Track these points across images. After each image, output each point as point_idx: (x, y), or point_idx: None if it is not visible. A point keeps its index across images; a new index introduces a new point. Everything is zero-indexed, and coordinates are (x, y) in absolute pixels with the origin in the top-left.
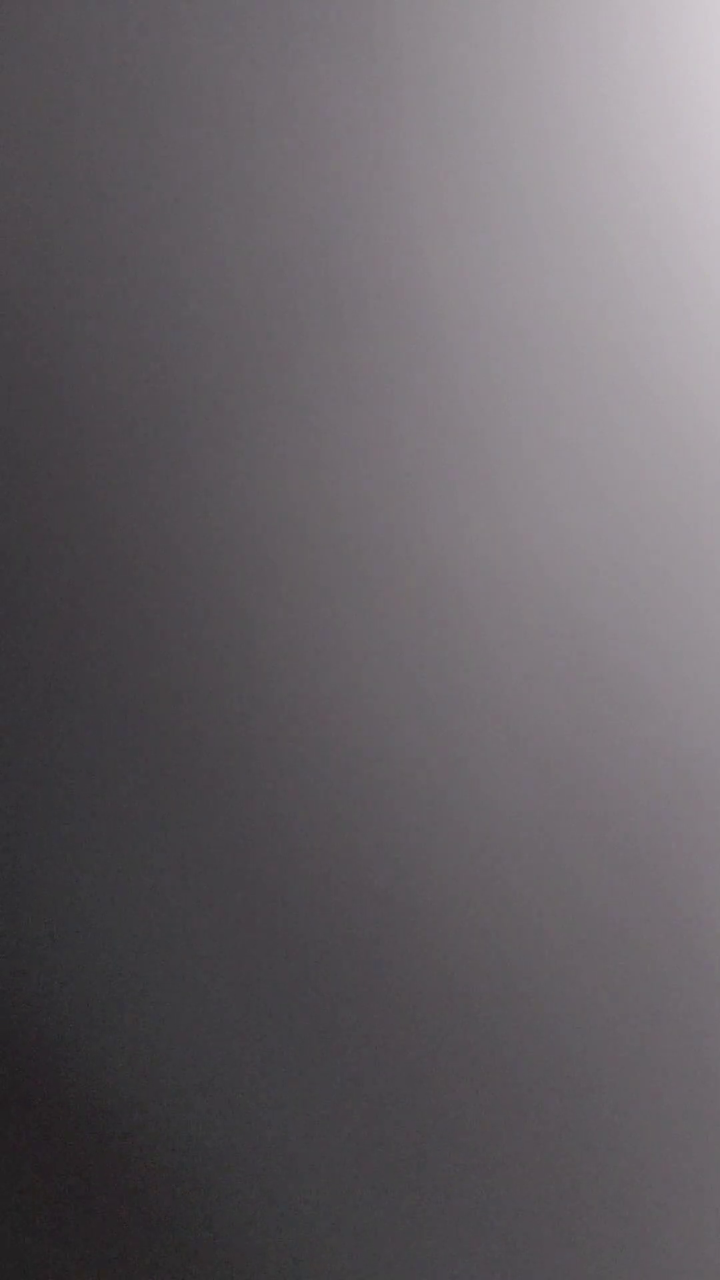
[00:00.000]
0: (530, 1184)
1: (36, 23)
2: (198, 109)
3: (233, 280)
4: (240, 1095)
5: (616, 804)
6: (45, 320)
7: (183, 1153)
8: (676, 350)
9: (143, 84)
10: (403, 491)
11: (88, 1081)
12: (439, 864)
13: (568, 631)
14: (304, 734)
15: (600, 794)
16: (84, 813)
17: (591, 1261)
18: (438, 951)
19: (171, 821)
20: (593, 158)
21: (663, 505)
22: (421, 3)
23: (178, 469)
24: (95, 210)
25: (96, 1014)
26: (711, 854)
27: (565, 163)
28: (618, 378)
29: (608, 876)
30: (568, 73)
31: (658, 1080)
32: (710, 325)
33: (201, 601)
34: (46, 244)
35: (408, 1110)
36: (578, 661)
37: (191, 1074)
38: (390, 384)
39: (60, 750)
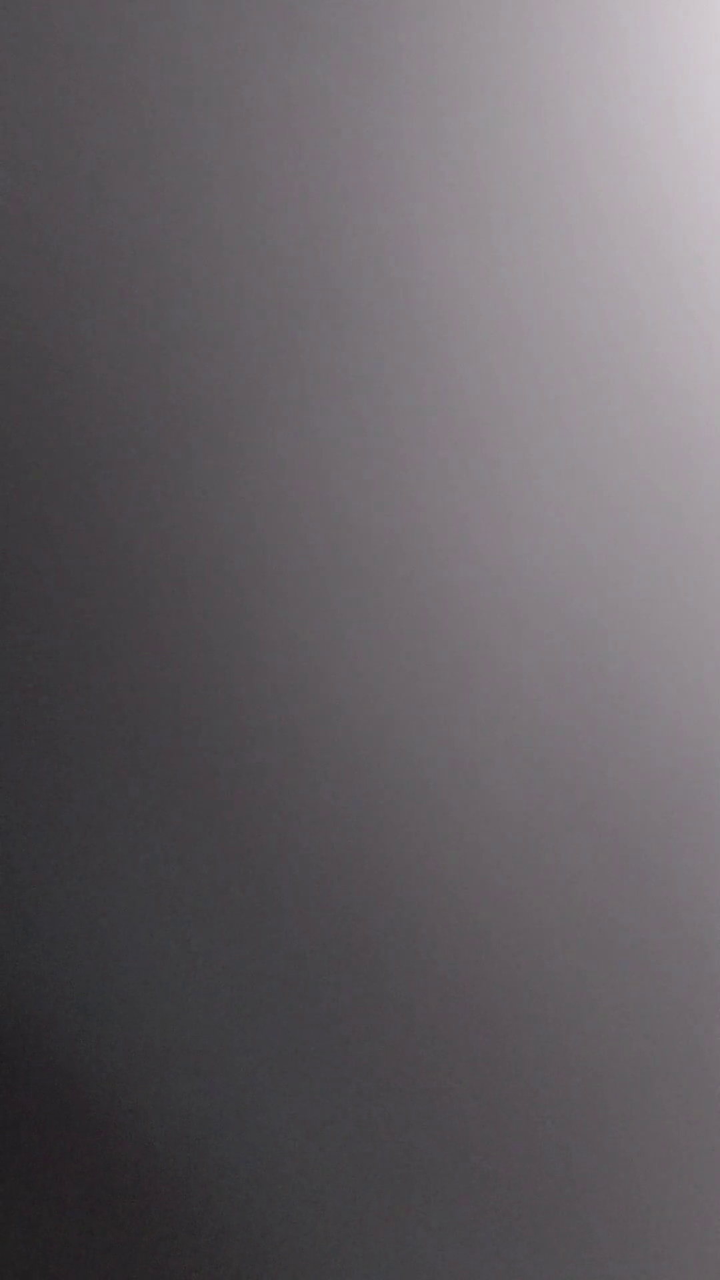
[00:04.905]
0: (529, 1182)
1: (36, 22)
2: (197, 109)
3: (232, 281)
4: (240, 1094)
5: (616, 804)
6: (45, 321)
7: (183, 1150)
8: (676, 350)
9: (142, 83)
10: (403, 492)
11: (88, 1081)
12: (439, 863)
13: (568, 631)
14: (304, 733)
15: (600, 794)
16: (85, 811)
17: (591, 1260)
18: (437, 950)
19: (172, 821)
20: (593, 159)
21: (663, 505)
22: (421, 2)
23: (177, 470)
24: (94, 210)
25: (98, 1014)
26: (711, 854)
27: (565, 163)
28: (618, 378)
29: (608, 876)
30: (568, 73)
31: (657, 1078)
32: (710, 325)
33: (201, 602)
34: (46, 246)
35: (407, 1109)
36: (578, 661)
37: (192, 1071)
38: (390, 384)
39: (61, 750)
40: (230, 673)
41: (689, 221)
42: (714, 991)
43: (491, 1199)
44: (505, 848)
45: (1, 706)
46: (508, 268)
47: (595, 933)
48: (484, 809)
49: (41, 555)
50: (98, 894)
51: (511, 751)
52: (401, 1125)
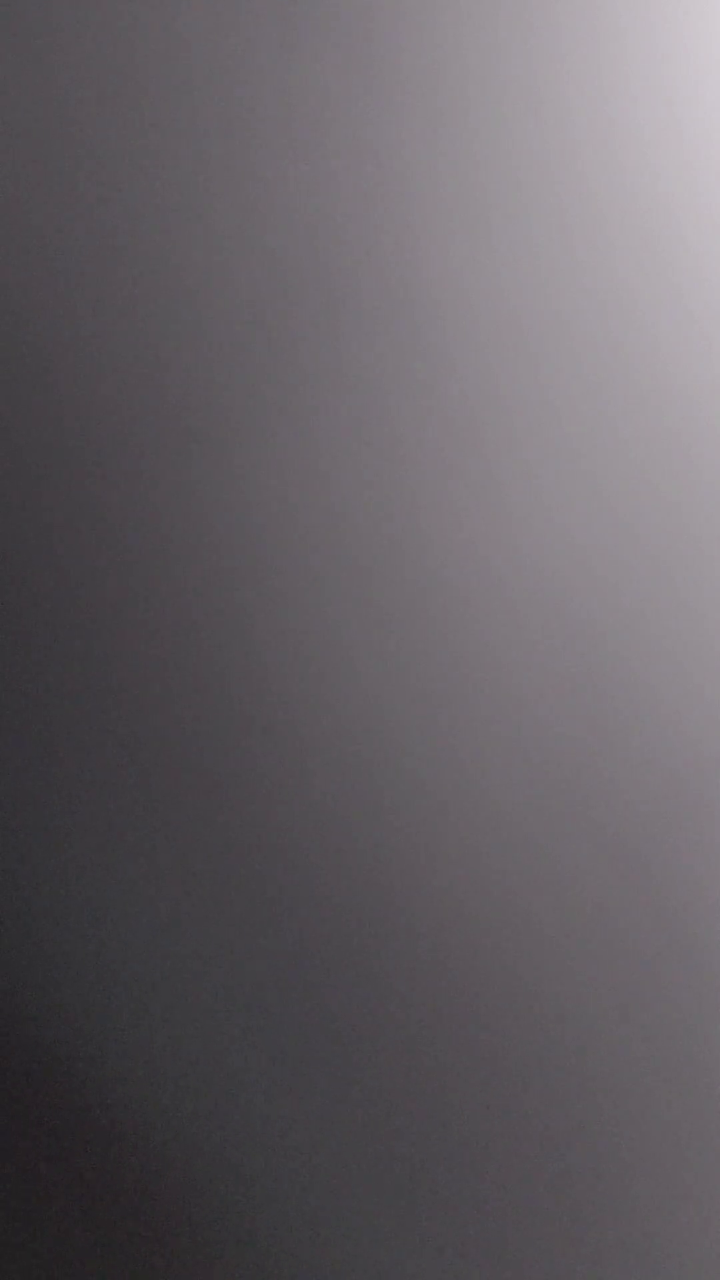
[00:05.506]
0: (529, 1182)
1: (37, 22)
2: (197, 109)
3: (232, 281)
4: (241, 1095)
5: (617, 804)
6: (46, 321)
7: (183, 1150)
8: (676, 350)
9: (142, 84)
10: (403, 492)
11: (88, 1081)
12: (439, 863)
13: (567, 631)
14: (304, 734)
15: (600, 794)
16: (85, 811)
17: (591, 1260)
18: (437, 950)
19: (172, 821)
20: (593, 159)
21: (663, 505)
22: (421, 2)
23: (178, 470)
24: (94, 210)
25: (97, 1014)
26: (711, 854)
27: (565, 162)
28: (618, 378)
29: (608, 876)
30: (568, 73)
31: (657, 1078)
32: (710, 325)
33: (202, 603)
34: (46, 246)
35: (407, 1107)
36: (577, 661)
37: (192, 1070)
38: (390, 384)
39: (61, 750)
40: (230, 673)
41: (689, 221)
42: (714, 991)
43: (491, 1199)
44: (505, 848)
45: (2, 707)
46: (508, 268)
47: (595, 933)
48: (484, 809)
49: (41, 555)
50: (98, 893)
51: (511, 751)
52: (401, 1123)
